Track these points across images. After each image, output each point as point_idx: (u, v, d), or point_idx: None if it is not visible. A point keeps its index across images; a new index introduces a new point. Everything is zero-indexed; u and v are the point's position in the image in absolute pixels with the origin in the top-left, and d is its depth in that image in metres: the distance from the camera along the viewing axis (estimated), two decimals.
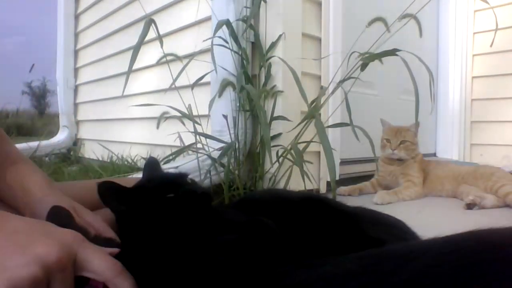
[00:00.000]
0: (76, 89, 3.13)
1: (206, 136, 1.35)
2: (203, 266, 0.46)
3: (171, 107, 1.31)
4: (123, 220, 0.68)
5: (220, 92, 1.35)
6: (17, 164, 0.68)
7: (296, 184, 1.36)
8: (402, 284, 0.33)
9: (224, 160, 1.29)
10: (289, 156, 1.27)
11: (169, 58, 1.29)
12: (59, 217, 0.55)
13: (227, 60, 1.38)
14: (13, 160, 0.69)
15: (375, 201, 1.45)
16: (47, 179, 0.68)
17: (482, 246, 0.35)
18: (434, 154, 2.58)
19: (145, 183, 0.73)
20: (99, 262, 0.42)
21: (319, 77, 1.58)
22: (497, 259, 0.32)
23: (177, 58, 1.31)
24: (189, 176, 0.74)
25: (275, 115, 1.37)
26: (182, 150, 1.34)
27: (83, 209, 0.64)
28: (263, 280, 0.41)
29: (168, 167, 1.28)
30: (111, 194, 0.66)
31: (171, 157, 1.43)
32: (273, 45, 1.41)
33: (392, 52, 1.13)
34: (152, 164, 0.80)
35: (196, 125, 1.29)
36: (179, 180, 0.70)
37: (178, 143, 1.43)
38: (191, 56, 1.29)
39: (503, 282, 0.31)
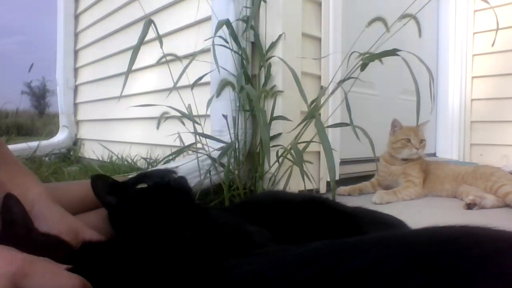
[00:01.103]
0: (76, 89, 3.13)
1: (206, 136, 1.35)
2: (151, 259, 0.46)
3: (171, 107, 1.31)
4: (112, 214, 0.69)
5: (218, 92, 1.35)
6: (10, 165, 0.68)
7: (296, 184, 1.36)
8: (354, 273, 0.34)
9: (224, 160, 1.29)
10: (289, 156, 1.27)
11: (169, 58, 1.29)
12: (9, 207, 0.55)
13: (227, 60, 1.38)
14: (5, 161, 0.68)
15: (373, 200, 1.45)
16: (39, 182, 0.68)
17: (433, 240, 0.37)
18: (434, 154, 2.58)
19: (136, 177, 0.74)
20: (51, 283, 0.37)
21: (319, 77, 1.58)
22: (446, 252, 0.34)
23: (177, 58, 1.31)
24: (189, 176, 0.75)
25: (275, 115, 1.37)
26: (182, 150, 1.34)
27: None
28: (207, 274, 0.41)
29: (168, 167, 1.29)
30: (102, 187, 0.68)
31: (171, 157, 1.44)
32: (273, 45, 1.41)
33: (392, 52, 1.13)
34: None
35: (196, 125, 1.29)
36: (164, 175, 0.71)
37: (178, 143, 1.43)
38: (191, 56, 1.29)
39: (450, 273, 0.32)
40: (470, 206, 1.36)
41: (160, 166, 1.39)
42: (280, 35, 1.39)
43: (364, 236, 0.44)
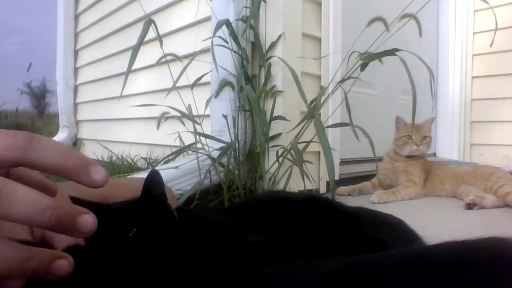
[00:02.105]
0: (76, 89, 3.13)
1: (206, 136, 1.35)
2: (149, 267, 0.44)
3: (171, 107, 1.31)
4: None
5: (217, 92, 1.35)
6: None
7: (296, 184, 1.36)
8: None
9: (224, 160, 1.29)
10: (289, 156, 1.27)
11: (169, 58, 1.29)
12: None
13: (227, 60, 1.38)
14: None
15: (372, 200, 1.45)
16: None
17: (459, 262, 0.35)
18: (434, 154, 2.58)
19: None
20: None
21: (319, 77, 1.58)
22: (486, 277, 0.32)
23: (177, 58, 1.31)
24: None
25: (275, 115, 1.37)
26: (182, 150, 1.34)
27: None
28: None
29: (168, 167, 1.29)
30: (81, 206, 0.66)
31: (171, 157, 1.44)
32: (273, 45, 1.41)
33: (392, 52, 1.13)
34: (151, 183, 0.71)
35: (196, 125, 1.29)
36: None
37: (178, 143, 1.43)
38: (191, 56, 1.29)
39: None
40: (470, 206, 1.36)
41: (160, 166, 1.39)
42: (280, 35, 1.39)
43: (385, 253, 0.40)
